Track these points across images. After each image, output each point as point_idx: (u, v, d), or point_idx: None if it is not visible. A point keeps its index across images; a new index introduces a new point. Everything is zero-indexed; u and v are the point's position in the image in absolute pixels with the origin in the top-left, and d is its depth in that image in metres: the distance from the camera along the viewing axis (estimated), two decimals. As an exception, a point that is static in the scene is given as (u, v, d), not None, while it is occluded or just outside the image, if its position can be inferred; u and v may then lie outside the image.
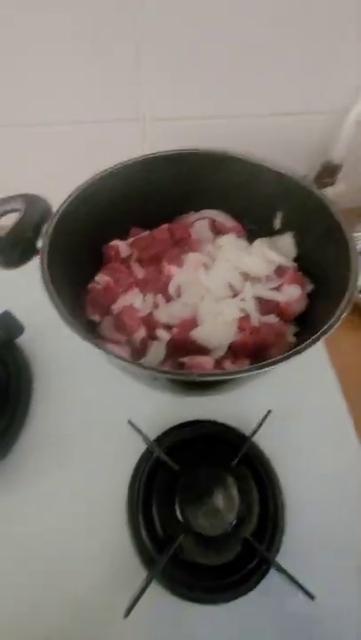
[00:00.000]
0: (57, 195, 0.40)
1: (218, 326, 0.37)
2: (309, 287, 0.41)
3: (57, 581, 0.35)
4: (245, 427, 0.42)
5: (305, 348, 0.27)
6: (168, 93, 0.49)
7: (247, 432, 0.41)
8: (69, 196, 0.40)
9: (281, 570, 0.32)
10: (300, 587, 0.30)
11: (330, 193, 0.57)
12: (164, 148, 0.45)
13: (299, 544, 0.35)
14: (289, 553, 0.35)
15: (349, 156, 0.54)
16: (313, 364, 0.48)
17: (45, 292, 0.32)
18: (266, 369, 0.26)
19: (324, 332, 0.28)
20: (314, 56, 0.47)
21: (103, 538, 0.37)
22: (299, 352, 0.27)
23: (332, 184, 0.57)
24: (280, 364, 0.26)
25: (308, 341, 0.27)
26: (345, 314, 0.29)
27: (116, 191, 0.44)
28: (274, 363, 0.26)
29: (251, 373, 0.26)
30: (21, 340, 0.47)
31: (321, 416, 0.44)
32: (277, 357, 0.26)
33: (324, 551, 0.35)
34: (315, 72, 0.48)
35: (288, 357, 0.26)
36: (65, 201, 0.40)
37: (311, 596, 0.29)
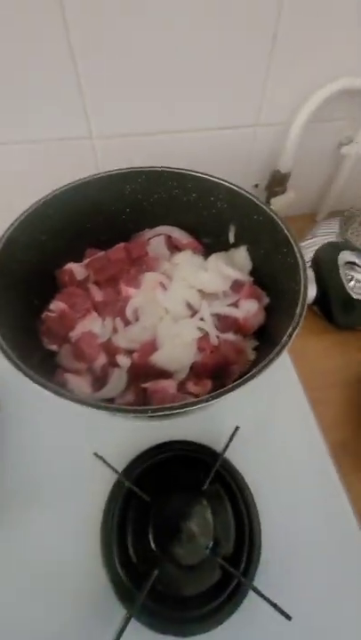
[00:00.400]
0: (1, 221, 0.38)
1: (177, 348, 0.37)
2: (266, 300, 0.41)
3: (31, 625, 0.33)
4: (216, 443, 0.42)
5: (259, 372, 0.27)
6: (114, 111, 0.49)
7: (218, 448, 0.41)
8: (14, 221, 0.39)
9: (258, 592, 0.31)
10: (277, 608, 0.30)
11: (281, 201, 0.58)
12: (117, 165, 0.44)
13: (274, 561, 0.35)
14: (265, 571, 0.35)
15: (296, 165, 0.55)
16: (278, 373, 0.49)
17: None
18: (220, 397, 0.26)
19: (278, 353, 0.28)
20: (258, 70, 0.48)
21: (77, 576, 0.35)
22: (253, 377, 0.27)
23: (283, 192, 0.58)
24: (234, 391, 0.26)
25: (261, 366, 0.27)
26: (297, 331, 0.30)
27: (66, 213, 0.43)
28: (227, 391, 0.26)
29: (207, 404, 0.25)
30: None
31: (289, 425, 0.45)
32: (230, 386, 0.26)
33: (298, 568, 0.35)
34: (259, 86, 0.49)
35: (242, 384, 0.26)
36: (9, 227, 0.38)
37: (288, 617, 0.29)
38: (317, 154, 0.58)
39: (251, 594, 0.34)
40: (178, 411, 0.25)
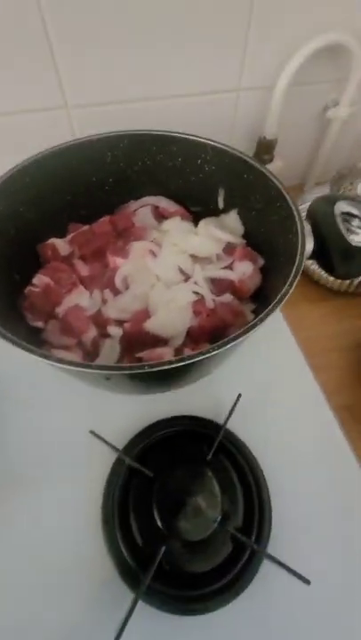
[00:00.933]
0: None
1: (172, 313, 0.34)
2: (261, 262, 0.39)
3: (36, 615, 0.31)
4: (218, 417, 0.40)
5: (263, 319, 0.25)
6: (88, 79, 0.46)
7: (221, 421, 0.39)
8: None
9: (274, 560, 0.30)
10: (295, 573, 0.28)
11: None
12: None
13: (286, 528, 0.34)
14: (278, 539, 0.33)
15: (282, 131, 0.54)
16: (277, 342, 0.47)
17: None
18: (223, 348, 0.24)
19: (280, 300, 0.27)
20: (238, 32, 0.46)
21: (80, 561, 0.33)
22: (255, 325, 0.25)
23: (270, 160, 0.57)
24: (238, 340, 0.24)
25: (266, 311, 0.26)
26: (298, 278, 0.28)
27: (45, 182, 0.40)
28: (231, 340, 0.24)
29: (208, 355, 0.23)
30: None
31: (292, 392, 0.43)
32: (233, 335, 0.24)
33: (311, 531, 0.34)
34: (240, 48, 0.47)
35: (245, 333, 0.24)
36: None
37: (307, 582, 0.28)
38: (303, 119, 0.57)
39: (264, 565, 0.32)
40: (177, 364, 0.23)
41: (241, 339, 0.24)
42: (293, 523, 0.34)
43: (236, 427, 0.39)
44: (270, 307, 0.26)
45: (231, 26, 0.45)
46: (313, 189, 0.58)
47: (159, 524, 0.33)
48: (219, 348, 0.24)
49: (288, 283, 0.28)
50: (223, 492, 0.34)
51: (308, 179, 0.63)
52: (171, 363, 0.23)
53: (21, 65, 0.42)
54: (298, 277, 0.28)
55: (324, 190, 0.55)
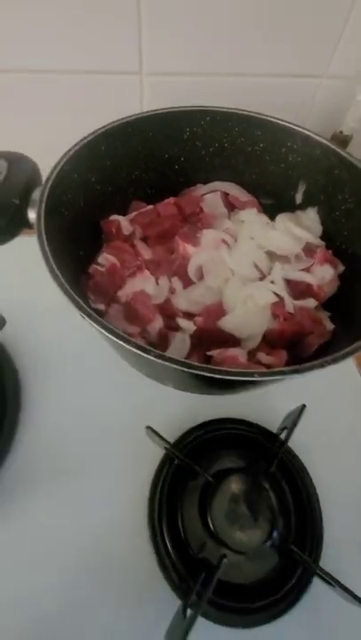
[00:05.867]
0: (41, 156, 0.33)
1: (250, 313, 0.32)
2: (341, 268, 0.37)
3: (74, 618, 0.30)
4: (267, 422, 0.38)
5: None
6: (169, 46, 0.42)
7: (269, 426, 0.37)
8: (63, 156, 0.33)
9: (331, 579, 0.28)
10: (352, 594, 0.27)
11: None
12: (164, 106, 0.38)
13: (337, 549, 0.32)
14: (328, 559, 0.32)
15: (357, 130, 0.50)
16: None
17: (46, 268, 0.25)
18: (335, 363, 0.22)
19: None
20: (330, 15, 0.42)
21: (123, 561, 0.32)
22: (352, 352, 0.22)
23: (341, 158, 0.53)
24: (332, 364, 0.22)
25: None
26: None
27: (118, 152, 0.37)
28: (335, 360, 0.22)
29: (325, 367, 0.21)
30: (1, 336, 0.39)
31: (345, 406, 0.42)
32: (350, 348, 0.22)
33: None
34: (329, 32, 0.43)
35: (344, 357, 0.22)
36: (58, 163, 0.32)
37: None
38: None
39: (313, 583, 0.31)
40: (274, 377, 0.21)
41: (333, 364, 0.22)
42: (345, 541, 0.33)
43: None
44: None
45: (332, 9, 0.41)
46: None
47: (212, 529, 0.31)
48: (332, 362, 0.22)
49: None
50: (277, 505, 0.33)
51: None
52: (283, 373, 0.21)
53: (104, 17, 0.38)
54: None
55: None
